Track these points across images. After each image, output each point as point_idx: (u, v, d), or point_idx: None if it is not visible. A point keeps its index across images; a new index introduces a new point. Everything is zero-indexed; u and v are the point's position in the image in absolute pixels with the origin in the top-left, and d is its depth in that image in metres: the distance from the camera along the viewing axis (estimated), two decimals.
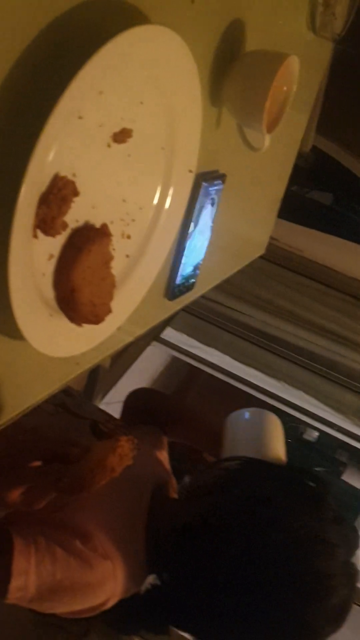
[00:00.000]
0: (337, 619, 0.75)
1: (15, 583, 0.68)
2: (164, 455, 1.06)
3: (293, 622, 0.74)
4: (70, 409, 1.00)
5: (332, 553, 0.74)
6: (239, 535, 0.75)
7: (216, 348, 2.79)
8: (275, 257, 2.63)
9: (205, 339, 2.77)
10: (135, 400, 1.22)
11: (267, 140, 0.76)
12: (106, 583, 0.75)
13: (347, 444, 2.66)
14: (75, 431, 0.93)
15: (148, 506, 0.87)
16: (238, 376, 2.80)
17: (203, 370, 2.79)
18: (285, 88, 0.74)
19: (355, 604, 0.76)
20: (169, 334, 2.68)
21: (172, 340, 2.70)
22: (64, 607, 0.74)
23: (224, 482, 0.84)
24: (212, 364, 2.80)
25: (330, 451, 3.05)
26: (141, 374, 3.01)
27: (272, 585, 0.73)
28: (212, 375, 2.82)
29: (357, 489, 2.87)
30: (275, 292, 2.69)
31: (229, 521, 0.77)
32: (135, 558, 0.81)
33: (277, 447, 0.94)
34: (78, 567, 0.72)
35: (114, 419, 1.09)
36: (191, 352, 2.81)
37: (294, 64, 0.71)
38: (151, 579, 0.84)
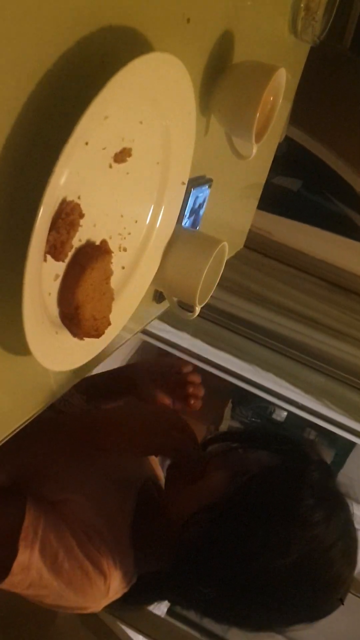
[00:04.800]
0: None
1: (21, 558, 0.68)
2: None
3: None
4: (56, 406, 1.00)
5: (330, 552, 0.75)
6: (235, 533, 0.75)
7: (187, 332, 2.80)
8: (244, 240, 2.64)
9: (176, 323, 2.78)
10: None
11: (255, 149, 0.77)
12: (99, 586, 0.76)
13: (315, 423, 2.74)
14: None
15: (134, 505, 0.86)
16: (209, 360, 2.83)
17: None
18: (271, 98, 0.76)
19: (351, 593, 0.79)
20: None
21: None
22: (53, 598, 0.74)
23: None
24: (183, 347, 2.81)
25: (298, 430, 3.14)
26: (110, 358, 3.00)
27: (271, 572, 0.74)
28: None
29: None
30: (243, 274, 2.69)
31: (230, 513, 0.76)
32: (124, 560, 0.81)
33: None
34: (81, 554, 0.74)
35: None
36: (162, 337, 2.82)
37: (281, 76, 0.72)
38: None
